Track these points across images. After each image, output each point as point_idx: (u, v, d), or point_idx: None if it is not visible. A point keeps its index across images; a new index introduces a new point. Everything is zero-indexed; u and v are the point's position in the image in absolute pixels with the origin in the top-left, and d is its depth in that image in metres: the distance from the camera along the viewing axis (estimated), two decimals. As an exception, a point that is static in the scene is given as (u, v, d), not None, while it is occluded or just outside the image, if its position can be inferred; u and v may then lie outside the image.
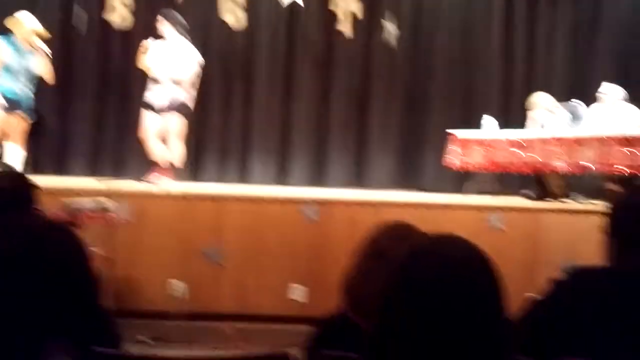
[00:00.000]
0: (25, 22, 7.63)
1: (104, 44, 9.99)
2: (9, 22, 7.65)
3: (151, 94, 7.82)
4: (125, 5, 9.60)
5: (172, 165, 7.92)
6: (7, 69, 7.49)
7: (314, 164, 9.97)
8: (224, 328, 6.40)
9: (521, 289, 6.22)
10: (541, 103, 8.23)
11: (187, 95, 7.84)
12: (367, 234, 2.52)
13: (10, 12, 7.95)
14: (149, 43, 7.79)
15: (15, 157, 7.70)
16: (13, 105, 7.55)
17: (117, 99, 9.91)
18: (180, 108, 7.79)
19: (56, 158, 9.83)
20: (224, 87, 10.04)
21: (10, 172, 5.74)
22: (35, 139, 9.26)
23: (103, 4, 9.88)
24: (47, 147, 9.75)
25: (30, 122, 7.80)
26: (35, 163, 9.32)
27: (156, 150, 7.87)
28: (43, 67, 7.66)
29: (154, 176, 7.74)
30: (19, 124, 7.64)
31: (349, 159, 9.99)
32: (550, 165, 7.56)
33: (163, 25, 7.87)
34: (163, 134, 7.87)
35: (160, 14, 7.97)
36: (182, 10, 9.40)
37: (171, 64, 7.77)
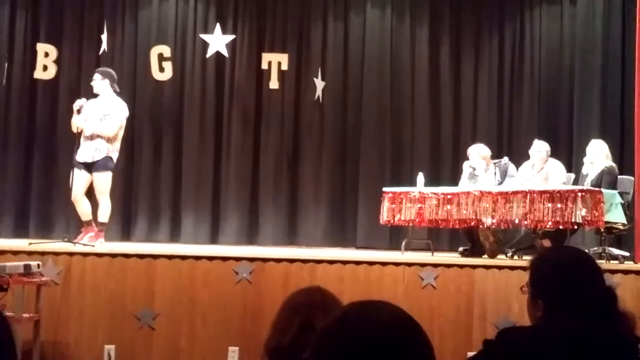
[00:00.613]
0: None
1: (27, 95, 9.95)
2: None
3: (78, 151, 7.76)
4: (48, 55, 9.56)
5: (101, 223, 7.83)
6: None
7: (246, 220, 9.96)
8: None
9: (457, 346, 6.38)
10: (478, 153, 8.39)
11: (111, 150, 7.77)
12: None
13: None
14: (81, 103, 7.74)
15: None
16: None
17: (42, 153, 9.85)
18: (106, 163, 7.71)
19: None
20: (152, 141, 10.03)
21: None
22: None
23: (25, 55, 9.89)
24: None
25: None
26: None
27: (85, 209, 7.77)
28: None
29: (85, 237, 7.64)
30: None
31: (282, 215, 10.01)
32: (481, 220, 7.74)
33: (98, 82, 7.86)
34: (91, 190, 7.80)
35: (98, 72, 7.97)
36: (108, 61, 9.50)
37: (97, 119, 7.71)
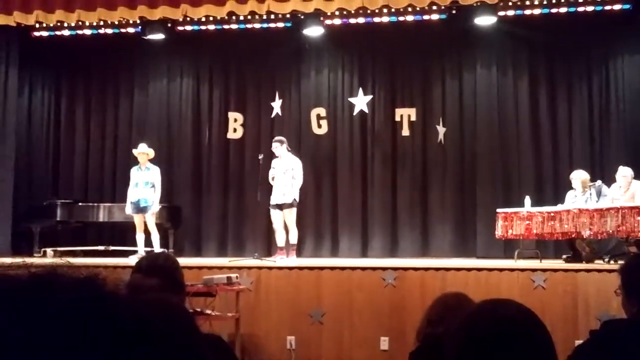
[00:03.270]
0: (139, 150, 8.73)
1: (223, 152, 10.46)
2: (134, 152, 8.85)
3: (273, 196, 8.20)
4: (237, 120, 10.04)
5: (293, 244, 8.18)
6: (134, 184, 8.58)
7: (388, 238, 9.96)
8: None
9: (566, 336, 6.12)
10: (579, 177, 8.05)
11: (296, 193, 8.24)
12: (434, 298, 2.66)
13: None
14: (274, 170, 8.22)
15: (155, 242, 8.52)
16: (139, 208, 8.46)
17: (235, 194, 10.30)
18: (292, 203, 8.18)
19: (195, 242, 10.22)
20: (314, 181, 10.22)
21: (163, 254, 6.01)
22: (176, 227, 9.72)
23: (220, 121, 10.39)
24: (187, 234, 10.17)
25: (154, 215, 8.64)
26: (179, 247, 9.75)
27: (280, 237, 8.16)
28: (156, 177, 8.64)
29: (277, 257, 8.01)
30: (147, 219, 8.57)
31: (416, 233, 9.94)
32: (580, 233, 7.43)
33: (278, 148, 8.32)
34: (283, 222, 8.26)
35: (277, 141, 8.41)
36: (279, 122, 9.87)
37: (282, 172, 8.19)
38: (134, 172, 8.59)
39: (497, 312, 1.31)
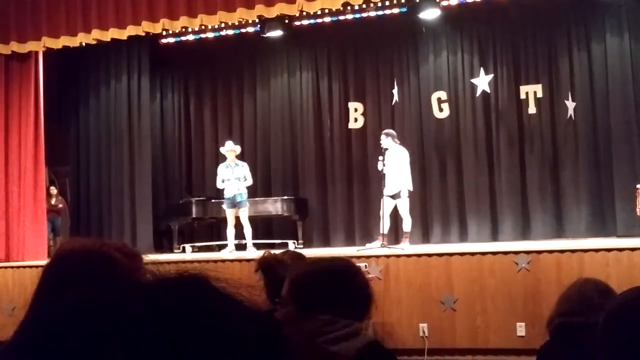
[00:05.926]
0: (227, 147, 9.03)
1: (345, 142, 10.61)
2: (222, 150, 9.19)
3: (385, 187, 8.24)
4: (357, 110, 10.13)
5: (406, 233, 8.21)
6: (226, 180, 8.85)
7: (519, 221, 9.72)
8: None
9: None
10: None
11: (407, 182, 8.21)
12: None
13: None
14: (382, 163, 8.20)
15: (247, 236, 8.87)
16: (234, 203, 8.79)
17: (359, 183, 10.44)
18: (404, 192, 8.20)
19: (323, 232, 10.48)
20: (438, 165, 10.17)
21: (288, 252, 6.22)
22: (303, 219, 10.01)
23: (341, 112, 10.55)
24: (315, 225, 10.45)
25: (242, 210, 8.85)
26: (307, 238, 10.04)
27: (387, 225, 8.19)
28: (246, 172, 8.94)
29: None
30: (240, 214, 8.83)
31: (549, 214, 9.63)
32: None
33: (385, 140, 8.32)
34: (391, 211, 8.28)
35: (384, 134, 8.42)
36: (399, 109, 9.83)
37: (392, 163, 8.17)
38: (222, 169, 8.94)
39: None
